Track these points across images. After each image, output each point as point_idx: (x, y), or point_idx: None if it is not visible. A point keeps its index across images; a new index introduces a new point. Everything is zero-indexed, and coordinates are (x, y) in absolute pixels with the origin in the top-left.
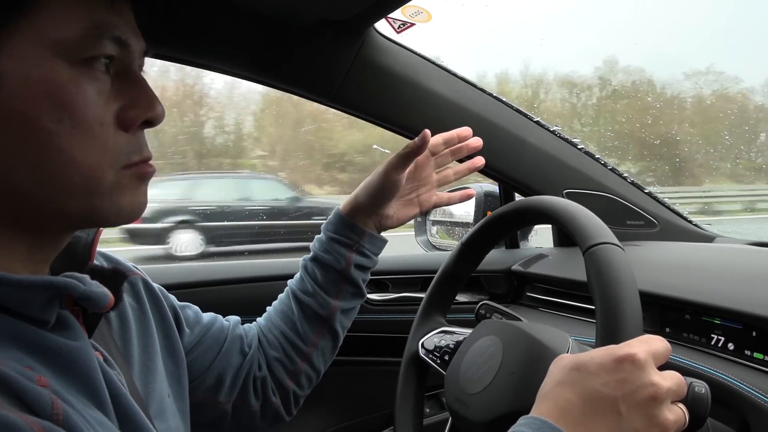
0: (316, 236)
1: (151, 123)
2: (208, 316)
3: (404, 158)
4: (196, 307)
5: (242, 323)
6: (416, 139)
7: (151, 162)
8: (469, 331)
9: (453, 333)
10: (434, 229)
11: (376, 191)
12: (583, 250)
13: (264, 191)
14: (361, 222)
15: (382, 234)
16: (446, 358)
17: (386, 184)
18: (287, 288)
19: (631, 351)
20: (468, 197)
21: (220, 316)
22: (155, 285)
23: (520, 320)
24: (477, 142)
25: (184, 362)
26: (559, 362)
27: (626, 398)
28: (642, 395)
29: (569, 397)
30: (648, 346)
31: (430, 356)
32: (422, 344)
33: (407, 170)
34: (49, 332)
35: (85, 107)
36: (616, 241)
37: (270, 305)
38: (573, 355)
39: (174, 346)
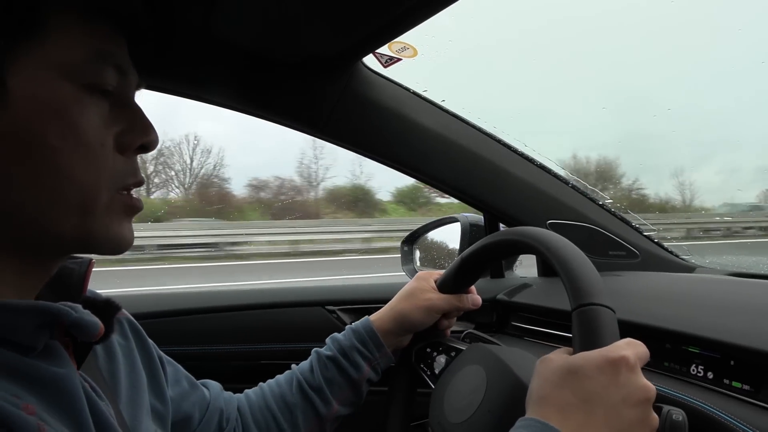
0: (336, 335)
1: (146, 148)
2: (189, 380)
3: (457, 311)
4: (179, 365)
5: (231, 351)
6: (473, 303)
7: (137, 196)
8: (459, 344)
9: (445, 345)
10: (420, 257)
11: (415, 326)
12: (572, 307)
13: None
14: (387, 341)
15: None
16: (436, 371)
17: (428, 322)
18: (292, 375)
19: (623, 353)
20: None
21: (199, 385)
22: (142, 329)
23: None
24: None
25: (169, 404)
26: (549, 364)
27: (626, 400)
28: (639, 397)
29: (570, 400)
30: (635, 349)
31: (421, 366)
32: (415, 352)
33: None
34: (35, 359)
35: (89, 128)
36: (608, 302)
37: (260, 332)
38: (562, 357)
39: (160, 388)
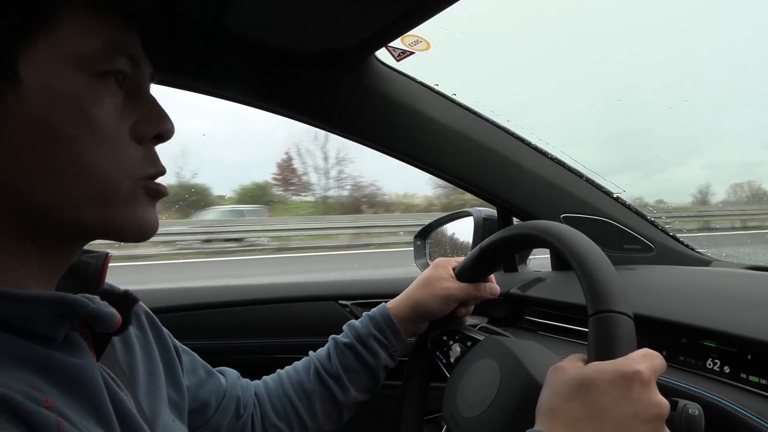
0: (354, 322)
1: (162, 138)
2: (206, 368)
3: (475, 300)
4: (195, 354)
5: (248, 345)
6: (491, 293)
7: (161, 181)
8: (475, 334)
9: (462, 334)
10: (433, 252)
11: (432, 314)
12: (589, 312)
13: None
14: (404, 329)
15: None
16: (451, 359)
17: (445, 311)
18: (309, 362)
19: (638, 368)
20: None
21: (216, 373)
22: (158, 320)
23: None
24: None
25: (185, 393)
26: (560, 375)
27: (638, 416)
28: (651, 413)
29: (579, 414)
30: (651, 362)
31: (437, 354)
32: (431, 340)
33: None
34: (55, 351)
35: (103, 117)
36: (627, 310)
37: (279, 327)
38: (574, 367)
39: (176, 377)
